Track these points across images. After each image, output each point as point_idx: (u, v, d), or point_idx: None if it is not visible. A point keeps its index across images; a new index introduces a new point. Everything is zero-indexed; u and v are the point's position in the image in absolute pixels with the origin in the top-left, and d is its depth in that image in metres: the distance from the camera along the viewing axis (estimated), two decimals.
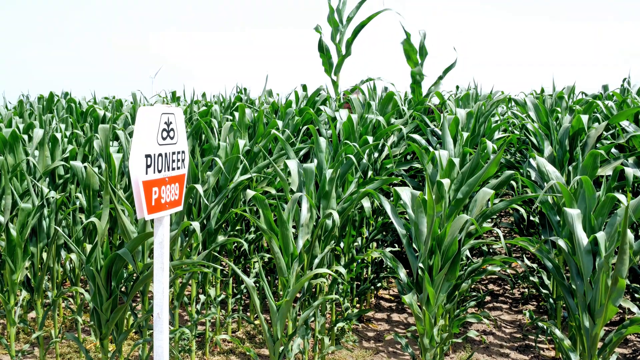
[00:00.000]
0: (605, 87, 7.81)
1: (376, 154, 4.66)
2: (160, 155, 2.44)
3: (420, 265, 3.13)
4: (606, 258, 2.78)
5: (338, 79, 6.10)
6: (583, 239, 3.00)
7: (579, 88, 7.97)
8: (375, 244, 4.97)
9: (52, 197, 3.73)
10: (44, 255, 3.79)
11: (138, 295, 5.09)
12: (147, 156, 2.36)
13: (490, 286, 5.79)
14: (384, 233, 4.87)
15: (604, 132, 4.94)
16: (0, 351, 4.00)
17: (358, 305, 4.97)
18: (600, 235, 2.90)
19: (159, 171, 2.44)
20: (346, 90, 6.41)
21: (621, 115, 4.65)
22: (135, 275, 3.27)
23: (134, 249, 2.94)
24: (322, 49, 6.04)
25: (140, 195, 2.34)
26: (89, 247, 3.20)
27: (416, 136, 4.55)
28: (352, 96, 5.68)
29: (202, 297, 4.01)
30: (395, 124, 4.64)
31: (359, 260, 4.42)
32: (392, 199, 4.03)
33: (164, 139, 2.46)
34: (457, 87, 9.15)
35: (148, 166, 2.37)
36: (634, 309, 3.12)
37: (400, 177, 4.61)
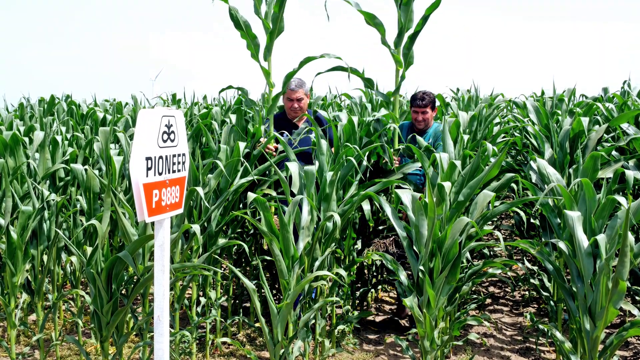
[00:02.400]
0: (605, 90, 7.83)
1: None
2: (160, 157, 2.45)
3: (421, 267, 3.13)
4: (607, 260, 2.78)
5: (269, 65, 4.47)
6: (583, 241, 3.00)
7: (579, 90, 7.99)
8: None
9: (53, 200, 3.74)
10: (45, 257, 3.79)
11: (138, 297, 5.09)
12: (148, 158, 2.37)
13: (491, 289, 5.79)
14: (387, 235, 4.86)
15: (605, 135, 4.94)
16: (1, 354, 4.00)
17: (359, 308, 4.97)
18: (601, 238, 2.90)
19: (160, 174, 2.45)
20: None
21: (622, 117, 4.65)
22: (135, 277, 3.27)
23: (134, 252, 2.94)
24: (240, 25, 4.40)
25: (141, 197, 2.34)
26: (89, 249, 3.20)
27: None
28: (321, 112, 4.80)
29: (203, 300, 4.01)
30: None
31: (359, 263, 4.42)
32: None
33: (164, 141, 2.47)
34: (457, 90, 9.16)
35: (148, 169, 2.37)
36: (635, 311, 3.12)
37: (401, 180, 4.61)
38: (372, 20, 4.48)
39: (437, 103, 4.73)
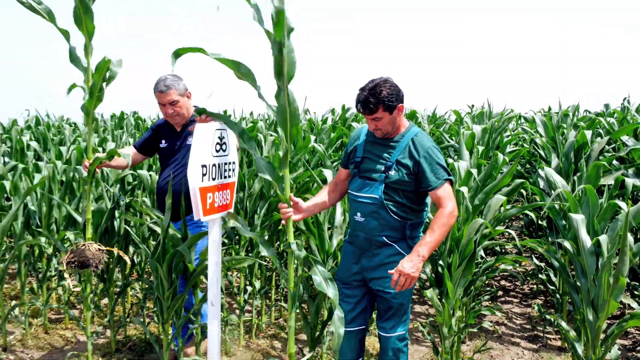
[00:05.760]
0: (606, 106, 7.67)
1: None
2: (214, 165, 2.49)
3: (440, 263, 3.12)
4: (608, 259, 2.72)
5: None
6: (587, 241, 2.94)
7: (582, 106, 7.83)
8: None
9: (122, 201, 3.82)
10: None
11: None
12: (203, 166, 2.41)
13: (503, 282, 5.69)
14: None
15: (606, 146, 4.84)
16: (79, 332, 4.10)
17: None
18: (603, 238, 2.84)
19: (213, 179, 2.49)
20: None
21: (622, 130, 4.55)
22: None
23: (191, 246, 2.98)
24: None
25: (197, 200, 2.38)
26: (153, 244, 3.26)
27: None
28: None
29: (249, 289, 4.04)
30: None
31: None
32: None
33: (217, 151, 2.51)
34: (472, 106, 9.06)
35: (204, 175, 2.42)
36: (634, 304, 3.04)
37: None
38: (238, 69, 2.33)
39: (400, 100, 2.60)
